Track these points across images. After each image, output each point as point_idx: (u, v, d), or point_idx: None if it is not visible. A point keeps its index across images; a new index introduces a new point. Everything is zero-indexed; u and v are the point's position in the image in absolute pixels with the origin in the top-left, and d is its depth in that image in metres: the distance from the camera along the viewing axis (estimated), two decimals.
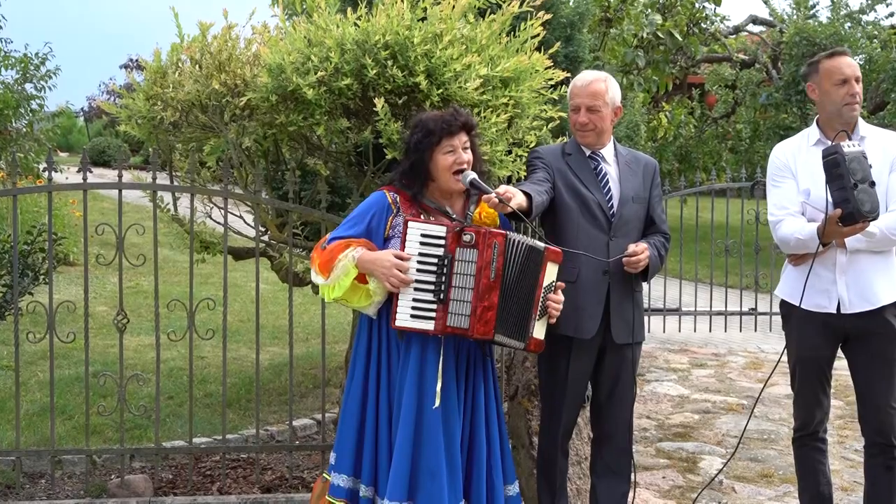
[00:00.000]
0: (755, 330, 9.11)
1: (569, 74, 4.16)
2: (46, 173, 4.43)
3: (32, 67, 12.33)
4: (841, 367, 3.80)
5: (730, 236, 9.13)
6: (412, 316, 3.25)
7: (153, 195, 4.56)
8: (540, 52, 4.07)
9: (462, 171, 3.33)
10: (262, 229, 4.74)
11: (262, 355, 6.49)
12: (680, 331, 8.99)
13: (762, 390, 4.38)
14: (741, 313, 9.11)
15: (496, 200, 3.17)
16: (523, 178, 3.82)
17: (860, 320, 3.60)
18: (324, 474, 3.56)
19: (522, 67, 3.93)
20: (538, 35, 4.10)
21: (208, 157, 4.84)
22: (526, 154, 3.89)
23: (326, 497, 3.43)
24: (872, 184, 3.35)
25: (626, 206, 3.65)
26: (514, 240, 3.26)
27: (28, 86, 12.42)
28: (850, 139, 3.49)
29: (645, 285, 3.83)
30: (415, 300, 3.25)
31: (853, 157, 3.34)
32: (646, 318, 6.16)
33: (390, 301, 3.30)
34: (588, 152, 3.70)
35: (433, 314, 3.24)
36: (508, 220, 3.46)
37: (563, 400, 3.69)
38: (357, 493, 3.39)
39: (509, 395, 4.49)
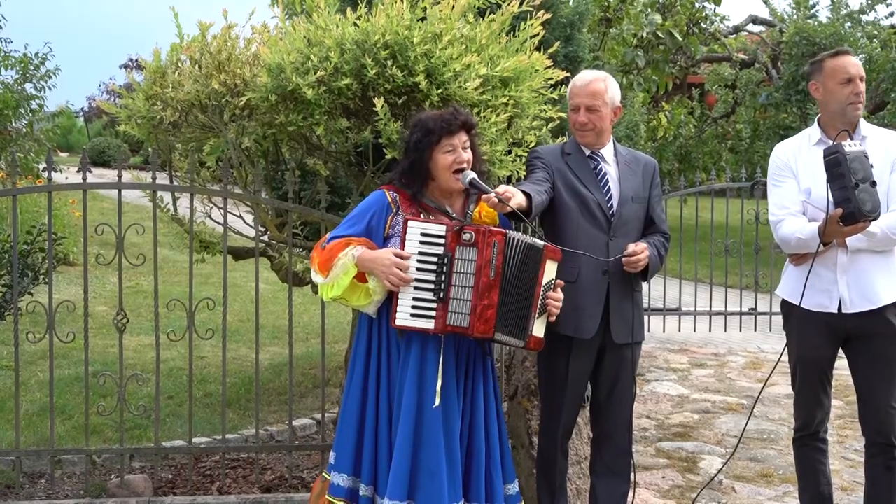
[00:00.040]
0: (755, 330, 9.11)
1: (568, 74, 4.16)
2: (46, 173, 4.43)
3: (32, 67, 12.32)
4: (841, 367, 3.80)
5: (729, 236, 9.14)
6: (412, 315, 3.25)
7: (153, 195, 4.56)
8: (539, 51, 4.07)
9: (462, 170, 3.33)
10: (262, 229, 4.74)
11: (262, 355, 6.49)
12: (680, 331, 9.00)
13: (762, 390, 4.38)
14: (741, 313, 9.11)
15: (496, 200, 3.17)
16: (523, 177, 3.82)
17: (861, 320, 3.59)
18: (323, 474, 3.56)
19: (522, 67, 3.93)
20: (538, 35, 4.10)
21: (208, 157, 4.84)
22: (525, 154, 3.89)
23: (326, 496, 3.43)
24: (874, 183, 3.35)
25: (626, 205, 3.64)
26: (514, 238, 3.26)
27: (28, 86, 12.42)
28: (851, 139, 3.49)
29: (645, 285, 3.83)
30: (415, 299, 3.25)
31: (854, 156, 3.34)
32: (645, 318, 6.16)
33: (390, 300, 3.30)
34: (588, 152, 3.70)
35: (433, 313, 3.24)
36: (508, 219, 3.46)
37: (563, 400, 3.69)
38: (357, 492, 3.39)
39: (509, 395, 4.49)
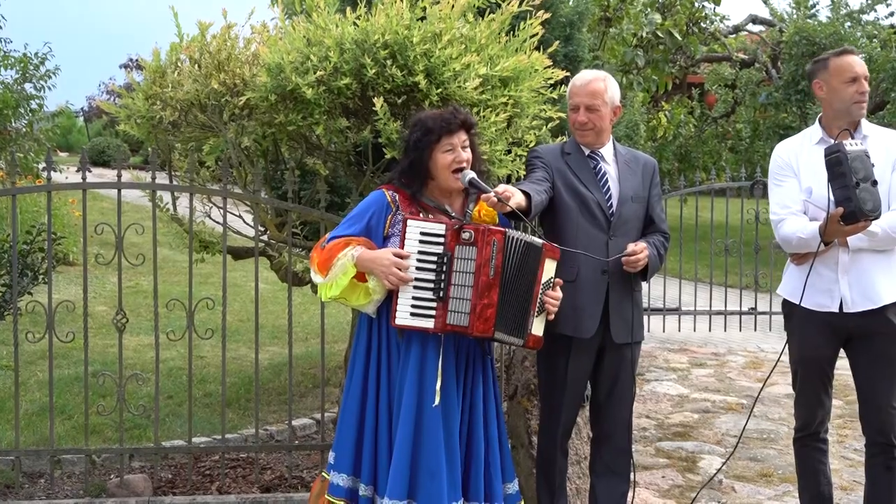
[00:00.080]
0: (755, 329, 9.11)
1: (568, 74, 4.16)
2: (46, 173, 4.42)
3: (32, 67, 12.31)
4: (840, 367, 3.79)
5: (729, 236, 9.14)
6: (412, 314, 3.25)
7: (152, 195, 4.56)
8: (539, 51, 4.07)
9: (461, 169, 3.33)
10: (262, 229, 4.74)
11: (262, 355, 6.49)
12: (679, 330, 9.00)
13: (761, 389, 4.38)
14: (741, 313, 9.12)
15: (495, 199, 3.17)
16: (522, 177, 3.82)
17: (863, 319, 3.59)
18: (322, 474, 3.56)
19: (522, 67, 3.93)
20: (537, 34, 4.10)
21: (207, 157, 4.84)
22: (525, 153, 3.89)
23: (326, 496, 3.43)
24: (875, 183, 3.34)
25: (626, 205, 3.64)
26: (513, 237, 3.26)
27: (27, 85, 12.41)
28: (852, 138, 3.49)
29: (644, 285, 3.83)
30: (414, 298, 3.25)
31: (855, 155, 3.34)
32: (645, 318, 6.16)
33: (390, 300, 3.30)
34: (587, 152, 3.70)
35: (433, 312, 3.24)
36: (508, 219, 3.46)
37: (563, 399, 3.69)
38: (356, 491, 3.39)
39: (509, 395, 4.49)
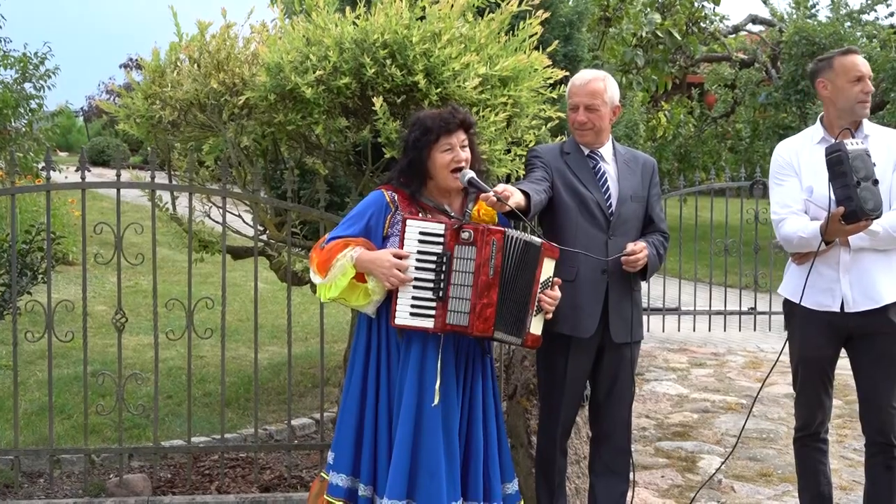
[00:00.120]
0: (754, 329, 9.11)
1: (568, 73, 4.16)
2: (45, 172, 4.42)
3: (31, 67, 12.30)
4: (840, 366, 3.79)
5: (729, 236, 9.15)
6: (412, 314, 3.25)
7: (151, 194, 4.56)
8: (539, 51, 4.07)
9: (460, 169, 3.33)
10: (261, 228, 4.73)
11: (261, 354, 6.49)
12: (679, 330, 9.00)
13: (760, 389, 4.37)
14: (740, 313, 9.12)
15: (494, 199, 3.17)
16: (522, 176, 3.82)
17: (864, 319, 3.58)
18: (321, 474, 3.56)
19: (521, 66, 3.93)
20: (537, 34, 4.10)
21: (207, 157, 4.83)
22: (524, 153, 3.89)
23: (325, 496, 3.42)
24: (876, 182, 3.34)
25: (625, 204, 3.64)
26: (512, 236, 3.26)
27: (27, 85, 12.39)
28: (853, 137, 3.48)
29: (644, 284, 3.83)
30: (414, 298, 3.25)
31: (856, 154, 3.34)
32: (645, 318, 6.16)
33: (389, 300, 3.30)
34: (587, 151, 3.70)
35: (433, 312, 3.24)
36: (507, 218, 3.46)
37: (562, 399, 3.69)
38: (356, 492, 3.39)
39: (508, 395, 4.49)
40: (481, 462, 3.42)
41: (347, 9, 3.97)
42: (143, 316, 8.28)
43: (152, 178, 4.42)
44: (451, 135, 3.33)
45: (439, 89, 3.76)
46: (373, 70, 3.73)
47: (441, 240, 3.25)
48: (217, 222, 4.73)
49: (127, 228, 4.36)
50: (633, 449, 3.95)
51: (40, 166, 11.09)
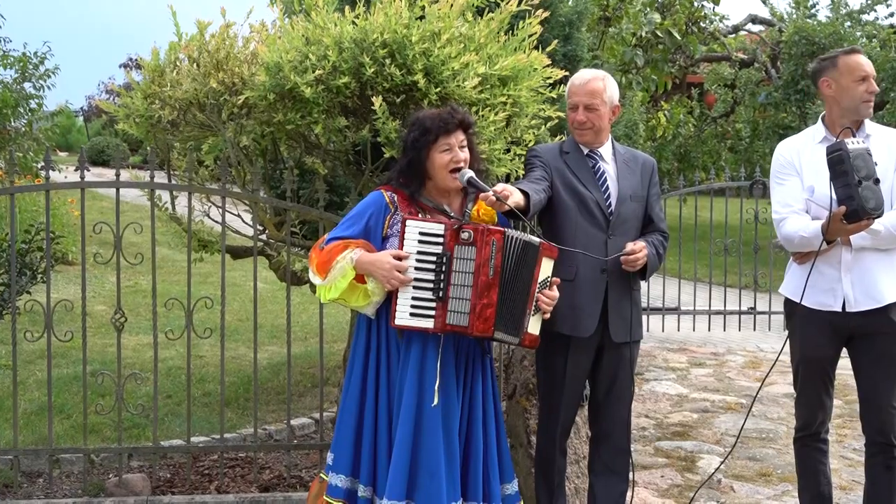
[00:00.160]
0: (754, 329, 9.11)
1: (567, 73, 4.16)
2: (44, 172, 4.42)
3: (31, 66, 12.29)
4: (840, 366, 3.79)
5: (729, 235, 9.15)
6: (412, 314, 3.24)
7: (151, 194, 4.55)
8: (538, 50, 4.07)
9: (459, 169, 3.32)
10: (261, 228, 4.73)
11: (261, 354, 6.49)
12: (679, 330, 9.00)
13: (759, 389, 4.37)
14: (740, 312, 9.12)
15: (494, 198, 3.17)
16: (521, 176, 3.82)
17: (865, 319, 3.58)
18: (321, 474, 3.55)
19: (521, 66, 3.93)
20: (536, 33, 4.09)
21: (206, 156, 4.83)
22: (524, 152, 3.89)
23: (324, 497, 3.42)
24: (877, 181, 3.34)
25: (625, 204, 3.64)
26: (512, 236, 3.26)
27: (27, 85, 12.38)
28: (854, 136, 3.48)
29: (643, 284, 3.82)
30: (414, 298, 3.25)
31: (857, 153, 3.33)
32: (644, 318, 6.15)
33: (389, 300, 3.29)
34: (586, 151, 3.70)
35: (432, 312, 3.24)
36: (506, 218, 3.45)
37: (561, 399, 3.69)
38: (355, 493, 3.38)
39: (507, 394, 4.49)
40: (481, 462, 3.42)
41: (347, 8, 3.97)
42: (142, 316, 8.27)
43: (151, 177, 4.42)
44: (449, 135, 3.33)
45: (439, 89, 3.76)
46: (372, 69, 3.73)
47: (441, 240, 3.25)
48: (216, 222, 4.73)
49: (126, 228, 4.36)
50: (632, 449, 3.94)
51: (40, 166, 11.09)
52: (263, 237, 4.89)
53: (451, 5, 3.90)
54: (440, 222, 3.28)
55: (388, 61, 3.74)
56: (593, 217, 3.59)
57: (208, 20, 4.34)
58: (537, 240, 3.30)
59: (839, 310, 3.60)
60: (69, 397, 5.94)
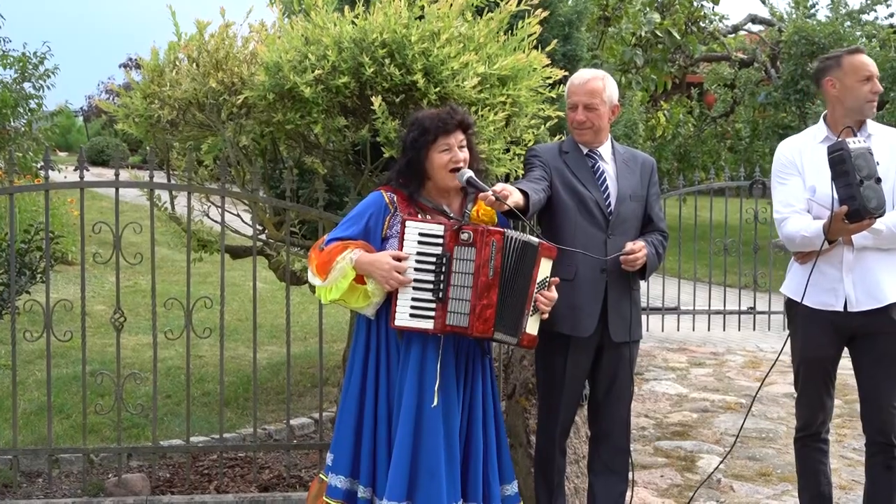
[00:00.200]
0: (754, 329, 9.11)
1: (567, 73, 4.16)
2: (43, 172, 4.42)
3: (31, 66, 12.29)
4: (839, 366, 3.78)
5: (728, 235, 9.15)
6: (411, 315, 3.24)
7: (150, 194, 4.55)
8: (538, 50, 4.06)
9: (458, 169, 3.32)
10: (260, 228, 4.73)
11: (260, 354, 6.49)
12: (678, 330, 9.00)
13: (759, 388, 4.36)
14: (740, 312, 9.12)
15: (493, 198, 3.17)
16: (521, 176, 3.82)
17: (867, 318, 3.57)
18: (320, 475, 3.55)
19: (520, 66, 3.93)
20: (535, 33, 4.09)
21: (206, 156, 4.82)
22: (523, 152, 3.88)
23: (324, 497, 3.42)
24: (878, 180, 3.33)
25: (624, 204, 3.64)
26: (511, 237, 3.26)
27: (26, 85, 12.38)
28: (855, 136, 3.47)
29: (643, 284, 3.82)
30: (414, 299, 3.24)
31: (859, 153, 3.33)
32: (644, 317, 6.15)
33: (389, 301, 3.29)
34: (585, 150, 3.69)
35: (432, 313, 3.24)
36: (506, 218, 3.45)
37: (561, 398, 3.69)
38: (355, 493, 3.38)
39: (507, 394, 4.49)
40: (481, 463, 3.41)
41: (346, 8, 3.97)
42: (141, 315, 8.27)
43: (151, 177, 4.42)
44: (449, 135, 3.33)
45: (438, 88, 3.75)
46: (371, 69, 3.73)
47: (440, 241, 3.25)
48: (216, 222, 4.72)
49: (125, 228, 4.35)
50: (632, 448, 3.94)
51: (39, 166, 11.07)
52: (263, 237, 4.88)
53: (451, 5, 3.89)
54: (440, 223, 3.28)
55: (387, 61, 3.74)
56: (593, 217, 3.59)
57: (208, 20, 4.34)
58: (536, 240, 3.30)
59: (841, 309, 3.59)
60: (68, 397, 5.94)
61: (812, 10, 16.57)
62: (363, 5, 3.95)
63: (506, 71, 3.89)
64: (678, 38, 12.43)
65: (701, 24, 15.17)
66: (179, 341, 5.13)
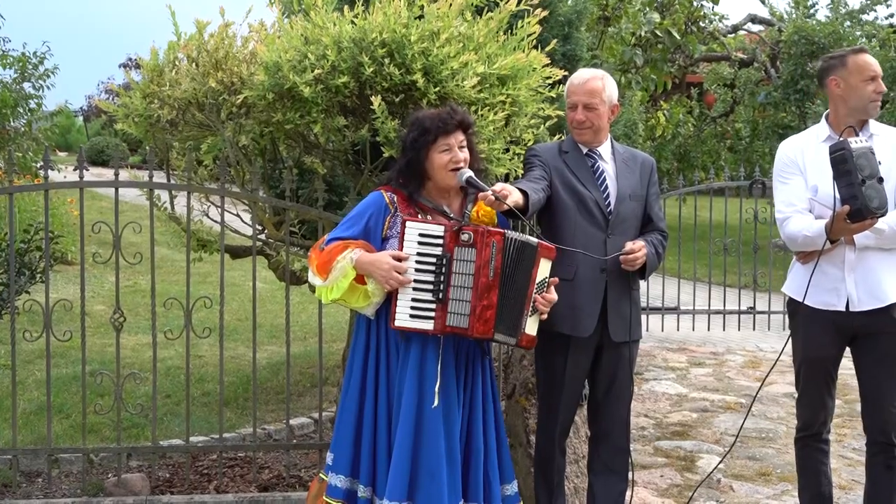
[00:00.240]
0: (753, 329, 9.11)
1: (566, 73, 4.15)
2: (43, 172, 4.42)
3: (31, 66, 12.30)
4: (840, 366, 3.78)
5: (728, 235, 9.15)
6: (411, 316, 3.24)
7: (150, 193, 4.55)
8: (537, 50, 4.06)
9: (458, 169, 3.32)
10: (260, 228, 4.73)
11: (260, 354, 6.49)
12: (678, 329, 9.00)
13: (759, 388, 4.36)
14: (739, 312, 9.12)
15: (492, 198, 3.17)
16: (520, 175, 3.82)
17: (869, 318, 3.57)
18: (320, 475, 3.55)
19: (520, 65, 3.92)
20: (535, 33, 4.09)
21: (205, 156, 4.82)
22: (523, 152, 3.88)
23: (324, 497, 3.41)
24: (881, 180, 3.33)
25: (624, 203, 3.64)
26: (512, 237, 3.26)
27: (26, 85, 12.39)
28: (857, 135, 3.47)
29: (643, 284, 3.82)
30: (414, 300, 3.24)
31: (861, 152, 3.32)
32: (644, 317, 6.15)
33: (389, 301, 3.29)
34: (585, 150, 3.69)
35: (432, 314, 3.24)
36: (505, 218, 3.45)
37: (561, 398, 3.69)
38: (355, 493, 3.38)
39: (507, 394, 4.49)
40: (482, 463, 3.41)
41: (346, 8, 3.96)
42: (141, 315, 8.27)
43: (150, 177, 4.42)
44: (449, 135, 3.32)
45: (438, 88, 3.75)
46: (371, 69, 3.73)
47: (441, 241, 3.25)
48: (215, 221, 4.72)
49: (125, 228, 4.35)
50: (631, 448, 3.94)
51: (39, 166, 11.07)
52: (262, 237, 4.88)
53: (450, 4, 3.89)
54: (440, 224, 3.28)
55: (386, 61, 3.74)
56: (592, 216, 3.59)
57: (207, 20, 4.34)
58: (535, 240, 3.29)
59: (843, 309, 3.58)
60: (68, 397, 5.94)
61: (812, 10, 16.57)
62: (363, 5, 3.95)
63: (505, 70, 3.89)
64: (678, 37, 12.44)
65: (701, 23, 15.17)
66: (179, 341, 5.13)
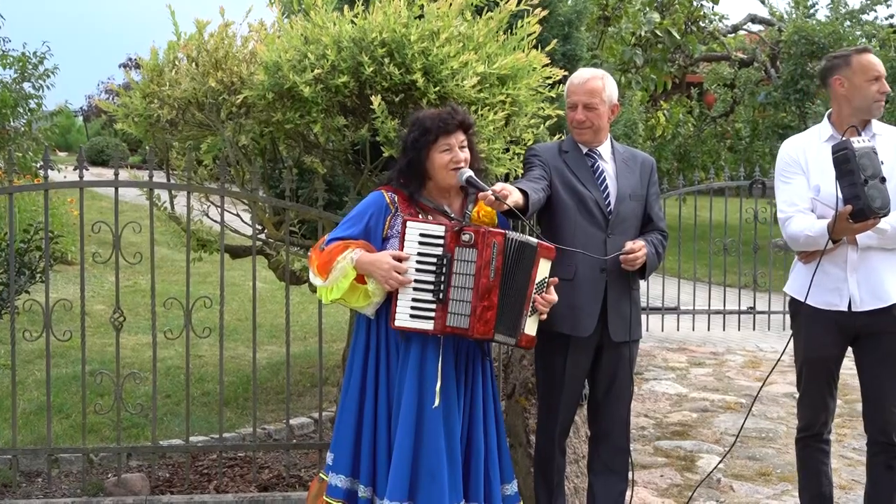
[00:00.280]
0: (753, 329, 9.11)
1: (566, 72, 4.15)
2: (43, 172, 4.42)
3: (30, 66, 12.29)
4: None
5: (728, 235, 9.15)
6: (412, 316, 3.24)
7: (150, 193, 4.55)
8: (537, 49, 4.06)
9: (458, 169, 3.32)
10: (259, 227, 4.73)
11: (260, 354, 6.48)
12: (678, 329, 8.99)
13: (760, 388, 4.36)
14: (739, 312, 9.12)
15: (492, 198, 3.17)
16: (520, 175, 3.81)
17: (871, 318, 3.56)
18: (320, 474, 3.55)
19: (520, 65, 3.92)
20: (535, 33, 4.09)
21: (205, 156, 4.82)
22: (523, 151, 3.88)
23: (324, 497, 3.41)
24: (883, 179, 3.33)
25: (624, 203, 3.64)
26: (512, 238, 3.26)
27: (26, 85, 12.39)
28: (860, 135, 3.46)
29: (643, 284, 3.82)
30: (414, 300, 3.24)
31: (863, 152, 3.32)
32: (644, 317, 6.15)
33: (389, 301, 3.29)
34: (585, 150, 3.69)
35: (432, 314, 3.23)
36: (506, 217, 3.45)
37: (561, 398, 3.68)
38: (355, 493, 3.38)
39: (507, 394, 4.49)
40: (482, 463, 3.41)
41: (346, 7, 3.96)
42: (141, 315, 8.27)
43: (150, 176, 4.41)
44: (449, 135, 3.32)
45: (437, 88, 3.75)
46: (371, 69, 3.73)
47: (441, 242, 3.24)
48: (215, 221, 4.72)
49: (125, 228, 4.35)
50: (631, 448, 3.94)
51: (39, 166, 11.07)
52: (262, 237, 4.88)
53: (450, 4, 3.89)
54: (441, 224, 3.28)
55: (386, 60, 3.74)
56: (592, 216, 3.59)
57: (207, 19, 4.34)
58: (534, 240, 3.29)
59: (845, 309, 3.58)
60: (68, 397, 5.94)
61: (812, 10, 16.57)
62: (362, 5, 3.95)
63: (505, 70, 3.88)
64: (678, 37, 12.44)
65: (701, 23, 15.17)
66: (179, 341, 5.13)
